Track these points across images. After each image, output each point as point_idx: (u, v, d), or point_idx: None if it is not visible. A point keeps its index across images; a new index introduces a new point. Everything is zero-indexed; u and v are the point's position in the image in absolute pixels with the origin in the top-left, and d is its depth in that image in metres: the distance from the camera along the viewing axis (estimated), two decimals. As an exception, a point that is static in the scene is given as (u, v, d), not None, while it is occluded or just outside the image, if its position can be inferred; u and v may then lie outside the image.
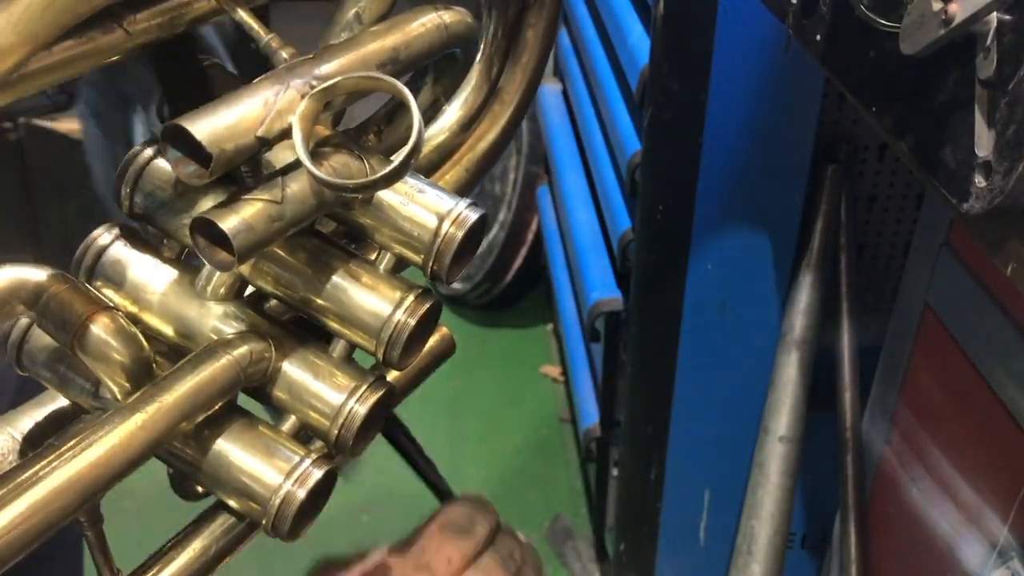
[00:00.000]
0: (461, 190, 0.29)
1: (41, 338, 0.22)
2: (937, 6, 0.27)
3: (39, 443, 0.21)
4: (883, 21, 0.32)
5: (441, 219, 0.22)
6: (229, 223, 0.20)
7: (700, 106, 0.69)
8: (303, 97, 0.21)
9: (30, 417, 0.22)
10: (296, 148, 0.20)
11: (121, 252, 0.23)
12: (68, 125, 1.31)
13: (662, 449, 0.83)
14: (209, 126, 0.19)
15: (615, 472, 0.97)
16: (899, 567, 0.67)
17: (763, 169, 0.71)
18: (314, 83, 0.21)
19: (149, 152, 0.22)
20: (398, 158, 0.20)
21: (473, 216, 0.22)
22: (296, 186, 0.21)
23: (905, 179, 0.74)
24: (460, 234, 0.22)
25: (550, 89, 1.19)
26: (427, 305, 0.22)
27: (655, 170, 0.75)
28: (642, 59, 0.74)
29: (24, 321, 0.22)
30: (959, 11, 0.26)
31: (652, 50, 0.71)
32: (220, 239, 0.20)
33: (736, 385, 0.80)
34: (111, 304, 0.21)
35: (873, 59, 0.34)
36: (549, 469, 1.19)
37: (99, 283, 0.22)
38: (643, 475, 0.86)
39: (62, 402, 0.22)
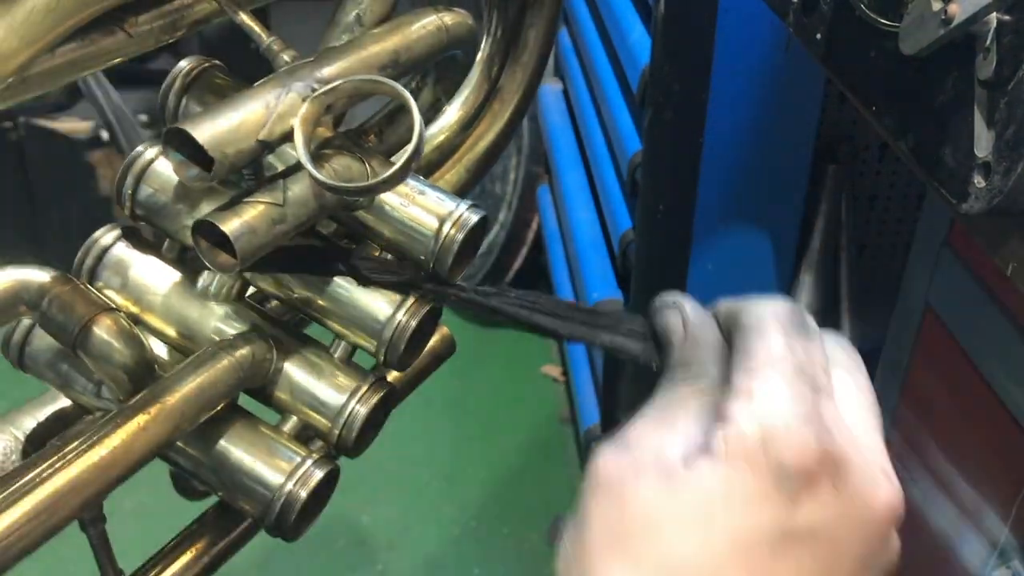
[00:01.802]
0: (461, 190, 0.29)
1: (43, 339, 0.22)
2: (937, 6, 0.27)
3: (42, 443, 0.21)
4: (883, 21, 0.32)
5: (442, 221, 0.22)
6: (231, 226, 0.20)
7: (700, 106, 0.69)
8: (304, 100, 0.21)
9: (32, 417, 0.22)
10: (297, 151, 0.20)
11: (123, 253, 0.23)
12: (68, 125, 1.31)
13: (662, 449, 0.83)
14: (211, 129, 0.19)
15: (615, 472, 0.97)
16: (899, 567, 0.67)
17: (763, 169, 0.71)
18: (315, 86, 0.21)
19: (151, 153, 0.22)
20: (399, 161, 0.20)
21: (474, 218, 0.22)
22: (298, 189, 0.21)
23: (905, 179, 0.74)
24: (461, 236, 0.22)
25: (551, 89, 1.19)
26: (428, 306, 0.22)
27: (655, 170, 0.75)
28: (643, 59, 0.74)
29: (26, 322, 0.22)
30: (959, 11, 0.26)
31: (653, 50, 0.71)
32: (222, 241, 0.20)
33: (736, 385, 0.80)
34: (113, 305, 0.21)
35: (873, 58, 0.34)
36: (549, 469, 1.19)
37: (101, 284, 0.23)
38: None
39: (64, 402, 0.22)
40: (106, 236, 0.23)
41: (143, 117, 1.33)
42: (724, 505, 0.19)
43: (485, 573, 1.06)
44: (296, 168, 0.21)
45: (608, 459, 0.20)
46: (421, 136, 0.20)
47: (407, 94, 0.20)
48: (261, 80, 0.21)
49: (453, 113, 0.28)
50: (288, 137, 0.20)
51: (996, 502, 0.53)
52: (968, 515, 0.55)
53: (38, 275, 0.20)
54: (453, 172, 0.29)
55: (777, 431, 0.19)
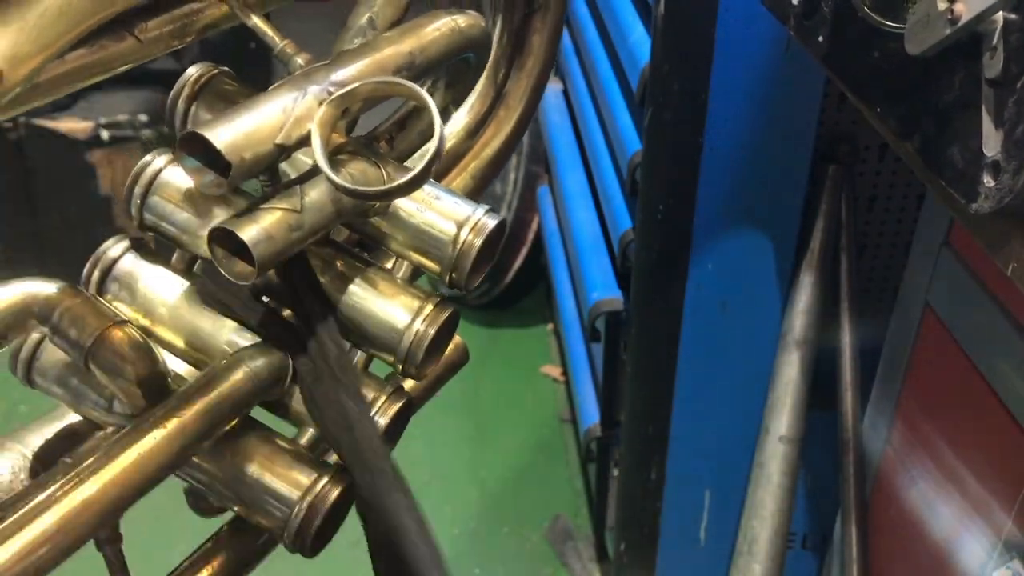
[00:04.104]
0: (468, 197, 0.28)
1: (52, 353, 0.21)
2: (943, 6, 0.27)
3: (50, 461, 0.20)
4: (887, 22, 0.31)
5: (460, 226, 0.22)
6: (249, 233, 0.19)
7: (700, 106, 0.68)
8: (321, 103, 0.20)
9: (39, 435, 0.21)
10: (315, 155, 0.20)
11: (131, 264, 0.22)
12: (68, 125, 1.29)
13: (662, 449, 0.83)
14: (228, 134, 0.19)
15: (615, 472, 0.97)
16: (900, 567, 0.67)
17: (763, 169, 0.71)
18: (332, 89, 0.20)
19: (160, 162, 0.22)
20: (419, 164, 0.20)
21: (491, 223, 0.22)
22: (315, 194, 0.20)
23: (905, 179, 0.75)
24: (479, 241, 0.22)
25: (551, 89, 1.18)
26: (446, 314, 0.22)
27: (655, 170, 0.75)
28: (643, 59, 0.74)
29: (35, 336, 0.21)
30: (965, 10, 0.26)
31: (653, 50, 0.71)
32: (239, 249, 0.19)
33: (736, 385, 0.80)
34: (124, 318, 0.20)
35: (877, 60, 0.34)
36: (549, 469, 1.19)
37: (109, 297, 0.22)
38: (643, 475, 0.86)
39: (73, 419, 0.22)
40: (114, 248, 0.22)
41: (143, 117, 1.32)
42: None
43: (485, 573, 1.06)
44: (312, 173, 0.21)
45: None
46: (442, 137, 0.20)
47: (426, 95, 0.20)
48: (276, 84, 0.21)
49: (460, 120, 0.28)
50: (305, 141, 0.20)
51: (996, 502, 0.53)
52: (968, 515, 0.55)
53: (47, 288, 0.20)
54: (460, 179, 0.28)
55: None
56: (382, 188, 0.20)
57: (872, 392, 0.69)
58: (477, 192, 0.29)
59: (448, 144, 0.28)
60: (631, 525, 0.92)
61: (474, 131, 0.28)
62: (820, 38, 0.38)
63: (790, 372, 0.75)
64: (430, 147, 0.20)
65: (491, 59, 0.28)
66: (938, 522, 0.60)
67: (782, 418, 0.77)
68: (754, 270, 0.76)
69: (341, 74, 0.21)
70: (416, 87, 0.20)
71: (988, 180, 0.28)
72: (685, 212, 0.73)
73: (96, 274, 0.22)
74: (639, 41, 0.76)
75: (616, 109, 0.84)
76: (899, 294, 0.65)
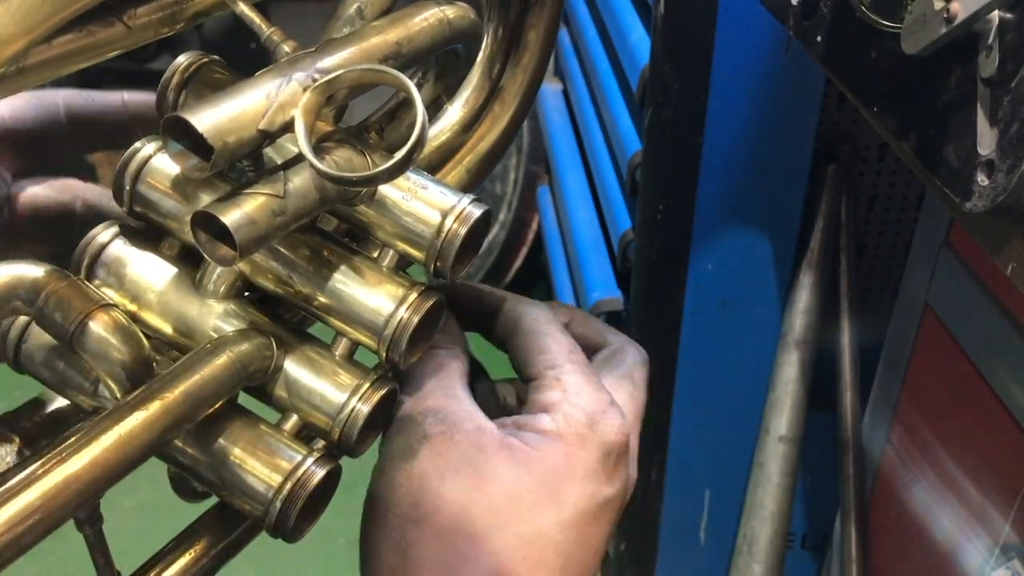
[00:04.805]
0: (463, 191, 0.28)
1: (39, 337, 0.21)
2: (939, 5, 0.27)
3: (38, 444, 0.20)
4: (884, 22, 0.31)
5: (444, 215, 0.22)
6: (231, 217, 0.19)
7: (701, 106, 0.68)
8: (305, 90, 0.20)
9: (28, 418, 0.21)
10: (298, 141, 0.20)
11: (120, 250, 0.22)
12: (66, 125, 1.30)
13: (662, 449, 0.83)
14: (211, 118, 0.19)
15: (615, 472, 0.97)
16: (899, 567, 0.67)
17: (763, 169, 0.71)
18: (316, 76, 0.21)
19: (149, 149, 0.22)
20: (402, 151, 0.20)
21: (477, 212, 0.22)
22: (299, 180, 0.20)
23: (905, 179, 0.74)
24: (463, 230, 0.22)
25: (551, 89, 1.19)
26: (430, 302, 0.22)
27: (655, 170, 0.75)
28: (643, 59, 0.74)
29: (22, 319, 0.21)
30: (961, 10, 0.26)
31: (653, 50, 0.71)
32: (222, 234, 0.19)
33: (736, 385, 0.80)
34: (111, 302, 0.21)
35: (875, 59, 0.34)
36: (548, 470, 1.18)
37: (98, 282, 0.22)
38: (643, 475, 0.86)
39: (61, 403, 0.22)
40: (103, 233, 0.23)
41: (141, 116, 1.32)
42: (569, 480, 0.22)
43: (484, 574, 1.05)
44: (297, 160, 0.21)
45: (440, 434, 0.22)
46: (424, 125, 0.20)
47: (410, 83, 0.20)
48: (262, 70, 0.21)
49: (454, 113, 0.28)
50: (289, 127, 0.20)
51: (996, 501, 0.53)
52: (968, 514, 0.55)
53: (34, 271, 0.20)
54: (454, 173, 0.28)
55: (598, 416, 0.23)
56: (363, 174, 0.20)
57: (872, 392, 0.69)
58: (472, 186, 0.29)
59: (443, 138, 0.28)
60: (631, 525, 0.92)
61: (469, 125, 0.28)
62: (819, 38, 0.38)
63: (790, 372, 0.75)
64: (413, 133, 0.20)
65: (487, 53, 0.28)
66: (938, 522, 0.59)
67: (782, 418, 0.76)
68: (754, 270, 0.76)
69: (326, 62, 0.21)
70: (400, 75, 0.20)
71: (982, 179, 0.28)
72: (685, 212, 0.73)
73: (85, 259, 0.22)
74: (639, 41, 0.77)
75: (616, 109, 0.84)
76: (899, 294, 0.65)
